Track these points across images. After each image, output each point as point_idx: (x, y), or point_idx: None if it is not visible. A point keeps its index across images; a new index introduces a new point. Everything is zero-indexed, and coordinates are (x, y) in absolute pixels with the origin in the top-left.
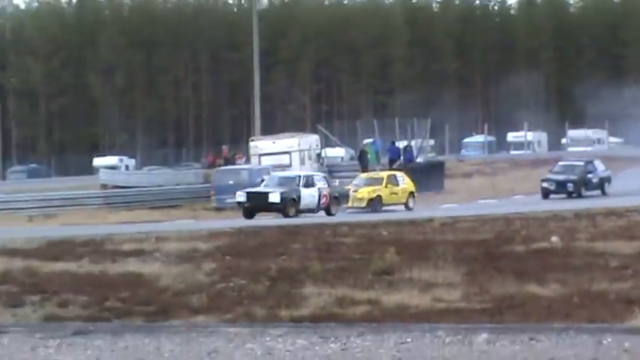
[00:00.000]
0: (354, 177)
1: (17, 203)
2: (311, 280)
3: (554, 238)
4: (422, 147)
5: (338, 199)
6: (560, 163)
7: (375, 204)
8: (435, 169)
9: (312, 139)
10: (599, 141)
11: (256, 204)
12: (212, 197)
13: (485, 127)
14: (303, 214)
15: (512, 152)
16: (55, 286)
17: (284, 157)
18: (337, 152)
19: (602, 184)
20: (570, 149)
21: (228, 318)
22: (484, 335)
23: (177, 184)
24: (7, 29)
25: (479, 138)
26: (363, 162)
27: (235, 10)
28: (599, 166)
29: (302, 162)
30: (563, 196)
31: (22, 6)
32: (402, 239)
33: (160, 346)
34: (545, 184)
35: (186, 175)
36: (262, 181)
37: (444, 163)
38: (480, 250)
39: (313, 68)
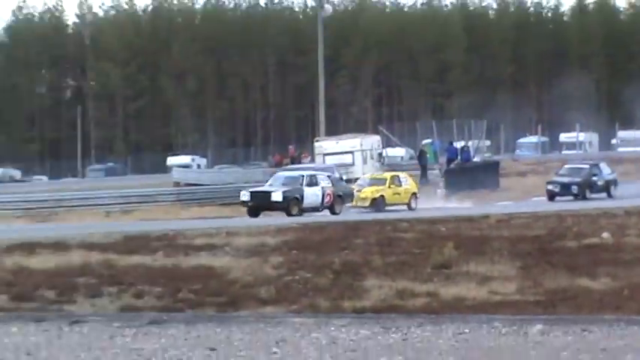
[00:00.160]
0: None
1: (96, 200)
2: (373, 273)
3: (605, 234)
4: (478, 147)
5: (342, 197)
6: (566, 166)
7: (378, 204)
8: (491, 168)
9: (373, 140)
10: None
11: (259, 203)
12: None
13: (539, 128)
14: (307, 213)
15: (565, 152)
16: (131, 278)
17: (347, 156)
18: (397, 152)
19: (607, 187)
20: (620, 149)
21: (295, 309)
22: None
23: (246, 182)
24: (86, 36)
25: (532, 138)
26: (422, 161)
27: (301, 17)
28: (605, 169)
29: (364, 161)
30: (571, 198)
31: (101, 14)
32: (460, 235)
33: (230, 335)
34: (550, 187)
35: (255, 174)
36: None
37: (500, 163)
38: (534, 246)
39: (375, 73)
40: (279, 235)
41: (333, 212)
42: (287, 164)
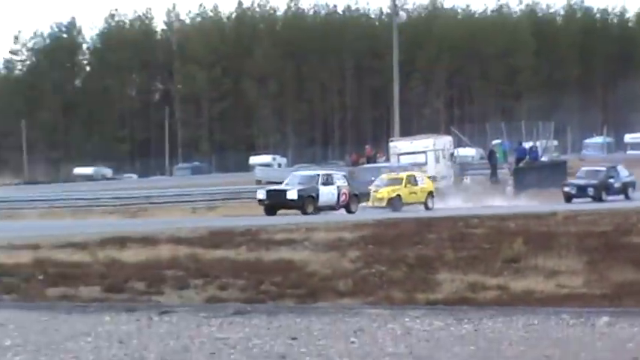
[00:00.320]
0: (484, 174)
1: (182, 197)
2: (445, 267)
3: None
4: (546, 147)
5: (358, 196)
6: (583, 168)
7: (394, 203)
8: (558, 167)
9: (445, 140)
10: None
11: (275, 201)
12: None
13: (605, 129)
14: (323, 212)
15: (630, 152)
16: (216, 271)
17: (420, 156)
18: (468, 152)
19: (625, 189)
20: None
21: (371, 301)
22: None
23: None
24: (174, 42)
25: (598, 139)
26: (492, 160)
27: (377, 23)
28: (623, 171)
29: (437, 160)
30: (589, 200)
31: (188, 21)
32: (529, 230)
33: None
34: (566, 189)
35: None
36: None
37: (567, 162)
38: (600, 241)
39: (447, 76)
40: (356, 231)
41: (348, 211)
42: (363, 163)
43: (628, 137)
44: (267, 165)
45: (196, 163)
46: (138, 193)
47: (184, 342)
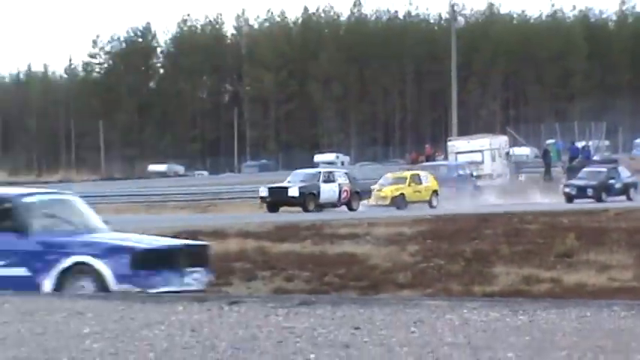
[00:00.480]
0: (539, 172)
1: (250, 193)
2: (501, 260)
3: None
4: (598, 147)
5: (359, 194)
6: (584, 169)
7: (398, 201)
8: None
9: (501, 140)
10: None
11: (277, 198)
12: None
13: None
14: (326, 209)
15: None
16: (282, 264)
17: (477, 155)
18: (523, 151)
19: (626, 190)
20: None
21: (429, 292)
22: None
23: None
24: (243, 46)
25: None
26: (546, 159)
27: (436, 29)
28: (624, 172)
29: (493, 159)
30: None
31: (256, 26)
32: (581, 226)
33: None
34: (567, 190)
35: (393, 170)
36: (458, 175)
37: (618, 161)
38: None
39: (503, 79)
40: (415, 226)
41: (350, 208)
42: (422, 161)
43: None
44: (331, 163)
45: (264, 161)
46: (208, 190)
47: (253, 331)
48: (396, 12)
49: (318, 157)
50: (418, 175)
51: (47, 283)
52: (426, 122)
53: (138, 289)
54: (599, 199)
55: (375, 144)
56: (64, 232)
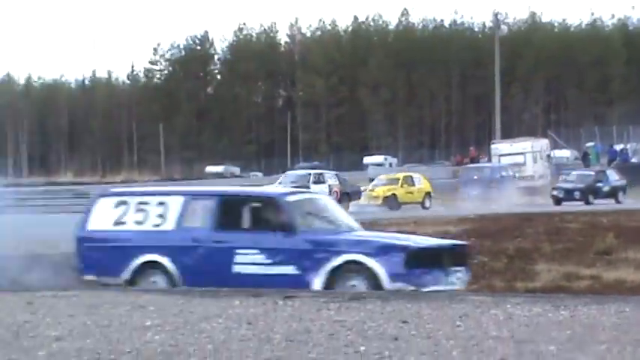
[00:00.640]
0: None
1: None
2: (542, 258)
3: None
4: (636, 150)
5: (349, 195)
6: (573, 172)
7: (390, 201)
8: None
9: (543, 143)
10: None
11: None
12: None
13: None
14: None
15: None
16: None
17: (519, 157)
18: (563, 153)
19: (615, 193)
20: None
21: (474, 288)
22: None
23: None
24: (296, 53)
25: None
26: (585, 161)
27: (480, 36)
28: (612, 175)
29: (534, 161)
30: (579, 202)
31: (308, 34)
32: (620, 225)
33: (419, 310)
34: (554, 192)
35: (439, 171)
36: (500, 177)
37: None
38: None
39: (545, 84)
40: (460, 225)
41: None
42: (467, 163)
43: None
44: (380, 164)
45: (315, 163)
46: None
47: (306, 324)
48: (442, 20)
49: (367, 159)
50: (411, 176)
51: (317, 282)
52: (471, 126)
53: (411, 288)
54: (586, 202)
55: (421, 147)
56: (330, 231)
